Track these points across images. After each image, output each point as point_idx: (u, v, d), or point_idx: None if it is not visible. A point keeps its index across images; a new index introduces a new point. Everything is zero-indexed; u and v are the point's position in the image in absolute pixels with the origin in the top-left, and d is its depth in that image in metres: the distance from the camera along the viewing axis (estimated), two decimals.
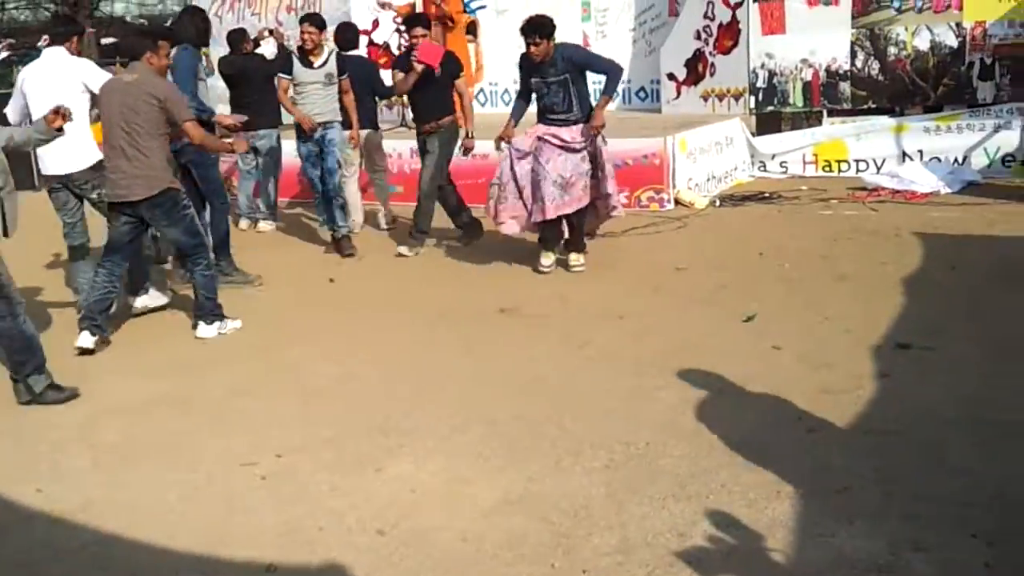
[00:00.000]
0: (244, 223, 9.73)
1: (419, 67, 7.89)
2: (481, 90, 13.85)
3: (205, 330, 6.28)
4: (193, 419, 4.94)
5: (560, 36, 12.70)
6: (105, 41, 20.13)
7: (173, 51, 6.82)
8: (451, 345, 5.89)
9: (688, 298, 6.60)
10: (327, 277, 7.77)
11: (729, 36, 11.41)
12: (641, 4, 13.05)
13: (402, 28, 12.44)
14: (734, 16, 11.34)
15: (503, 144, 7.37)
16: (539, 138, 7.15)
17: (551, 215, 7.15)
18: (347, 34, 9.39)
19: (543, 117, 7.25)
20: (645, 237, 8.44)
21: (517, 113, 7.50)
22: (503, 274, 7.55)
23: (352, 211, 8.91)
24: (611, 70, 7.24)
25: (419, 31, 8.03)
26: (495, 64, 13.53)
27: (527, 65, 7.22)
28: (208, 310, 6.30)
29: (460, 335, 6.06)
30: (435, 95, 8.10)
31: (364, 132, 8.85)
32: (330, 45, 8.57)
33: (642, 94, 13.07)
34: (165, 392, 5.33)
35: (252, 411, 5.00)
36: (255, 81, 9.06)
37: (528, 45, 7.04)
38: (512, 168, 7.21)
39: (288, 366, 5.69)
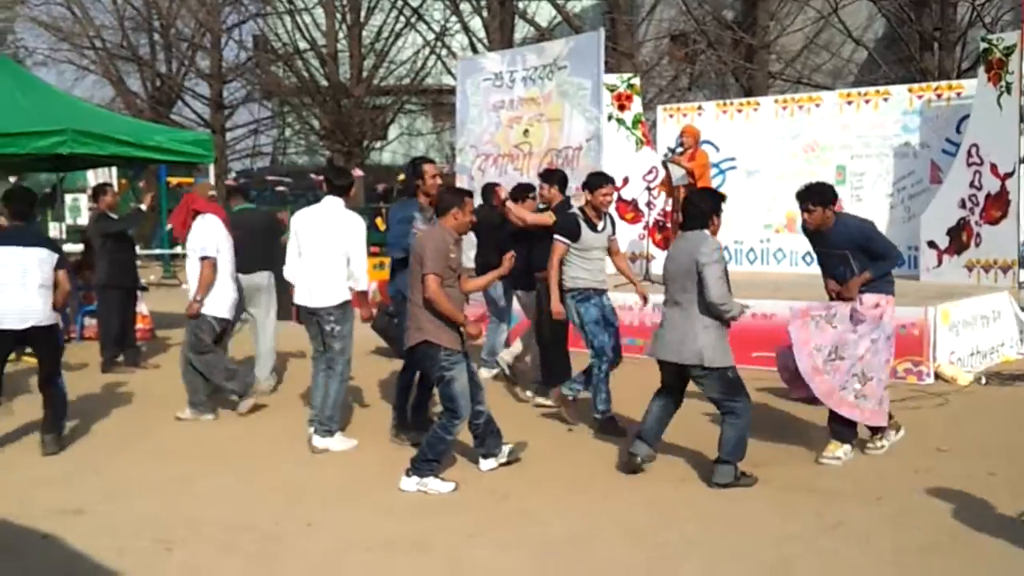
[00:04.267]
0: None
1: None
2: (725, 247, 13.74)
3: (406, 482, 6.11)
4: (432, 562, 4.95)
5: None
6: (379, 187, 22.00)
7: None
8: (690, 520, 5.67)
9: (952, 484, 6.06)
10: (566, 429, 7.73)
11: (997, 207, 10.84)
12: (900, 170, 12.70)
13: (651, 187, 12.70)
14: (1003, 186, 10.80)
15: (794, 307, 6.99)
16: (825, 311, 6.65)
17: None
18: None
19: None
20: (904, 412, 7.90)
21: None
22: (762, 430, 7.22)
23: None
24: (888, 255, 6.65)
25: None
26: (743, 223, 13.49)
27: (807, 232, 6.87)
28: (418, 462, 6.11)
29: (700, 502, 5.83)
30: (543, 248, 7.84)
31: None
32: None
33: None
34: (404, 533, 5.39)
35: (488, 561, 4.96)
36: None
37: (802, 211, 6.67)
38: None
39: (523, 513, 5.64)
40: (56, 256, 7.07)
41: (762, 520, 5.53)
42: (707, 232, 6.22)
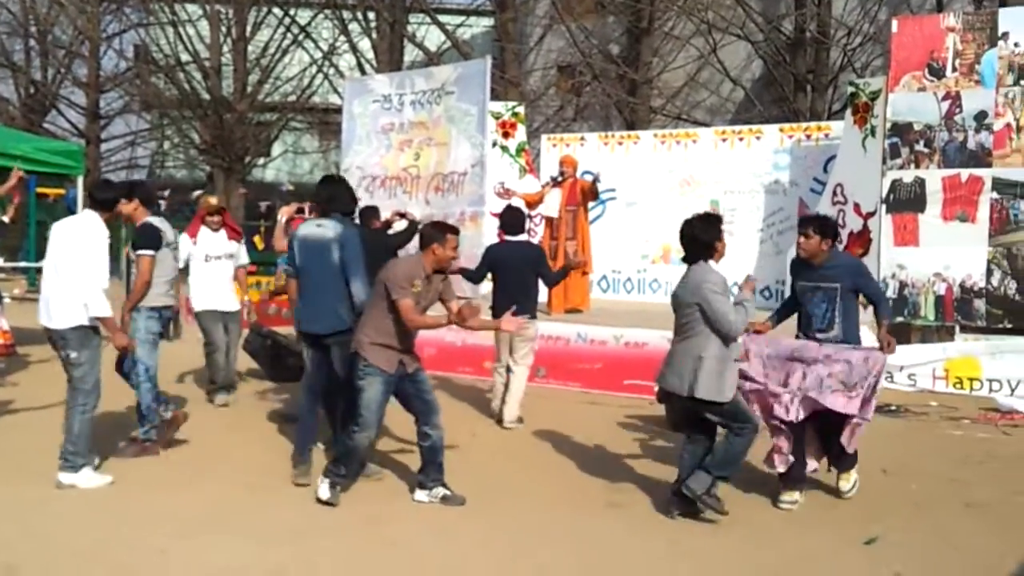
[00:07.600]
0: None
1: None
2: (604, 276, 14.06)
3: (322, 489, 6.25)
4: None
5: None
6: (263, 204, 22.16)
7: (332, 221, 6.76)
8: (547, 545, 5.74)
9: (802, 513, 6.31)
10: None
11: (860, 244, 11.32)
12: (770, 206, 13.15)
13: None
14: (865, 225, 11.29)
15: (744, 336, 6.37)
16: (787, 359, 6.36)
17: (793, 416, 6.28)
18: (510, 218, 8.95)
19: (803, 328, 6.59)
20: None
21: (779, 314, 6.84)
22: None
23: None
24: (882, 299, 6.77)
25: None
26: (621, 253, 13.82)
27: (796, 264, 6.64)
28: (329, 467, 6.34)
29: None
30: None
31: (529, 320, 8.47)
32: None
33: (767, 293, 12.99)
34: (262, 559, 5.31)
35: None
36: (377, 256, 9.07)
37: (799, 235, 6.44)
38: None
39: (395, 542, 5.62)
40: None
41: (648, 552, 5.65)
42: (710, 265, 6.03)
